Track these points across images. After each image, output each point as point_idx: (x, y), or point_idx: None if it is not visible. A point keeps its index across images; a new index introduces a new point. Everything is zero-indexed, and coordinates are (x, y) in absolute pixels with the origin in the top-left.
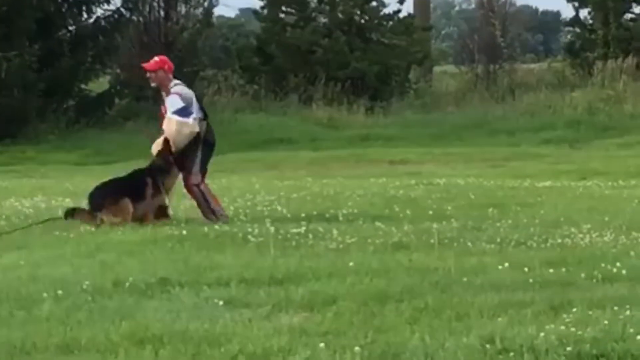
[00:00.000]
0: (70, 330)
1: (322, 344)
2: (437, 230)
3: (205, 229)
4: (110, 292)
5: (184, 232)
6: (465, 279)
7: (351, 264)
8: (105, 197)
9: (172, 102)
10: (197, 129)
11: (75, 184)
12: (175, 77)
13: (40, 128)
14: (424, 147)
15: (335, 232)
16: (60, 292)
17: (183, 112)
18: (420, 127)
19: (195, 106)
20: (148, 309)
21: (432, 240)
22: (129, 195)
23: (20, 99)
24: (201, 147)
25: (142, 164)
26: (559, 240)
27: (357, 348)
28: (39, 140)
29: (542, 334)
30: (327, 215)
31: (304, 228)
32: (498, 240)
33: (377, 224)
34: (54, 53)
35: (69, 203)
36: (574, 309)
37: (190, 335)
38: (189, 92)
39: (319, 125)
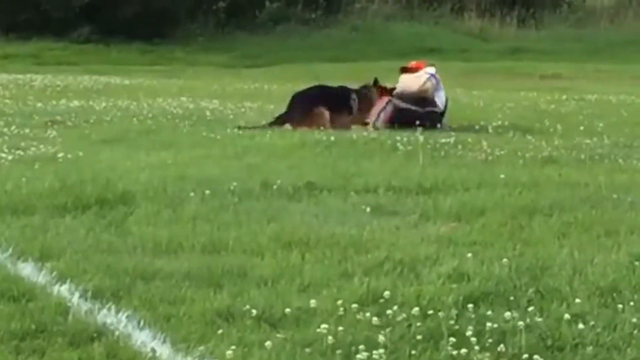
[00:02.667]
0: (216, 230)
1: (469, 254)
2: (588, 146)
3: (354, 135)
4: (257, 194)
5: (332, 138)
6: (615, 196)
7: (502, 176)
8: (302, 108)
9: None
10: None
11: (223, 85)
12: None
13: (190, 29)
14: (576, 62)
15: (484, 143)
16: (207, 192)
17: None
18: (573, 42)
19: None
20: (295, 213)
21: (582, 156)
22: (328, 105)
23: None
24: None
25: (288, 68)
26: None
27: (505, 260)
28: (188, 41)
29: None
30: (477, 127)
31: (453, 138)
32: None
33: (528, 137)
34: None
35: (216, 104)
36: None
37: (337, 240)
38: None
39: (470, 36)
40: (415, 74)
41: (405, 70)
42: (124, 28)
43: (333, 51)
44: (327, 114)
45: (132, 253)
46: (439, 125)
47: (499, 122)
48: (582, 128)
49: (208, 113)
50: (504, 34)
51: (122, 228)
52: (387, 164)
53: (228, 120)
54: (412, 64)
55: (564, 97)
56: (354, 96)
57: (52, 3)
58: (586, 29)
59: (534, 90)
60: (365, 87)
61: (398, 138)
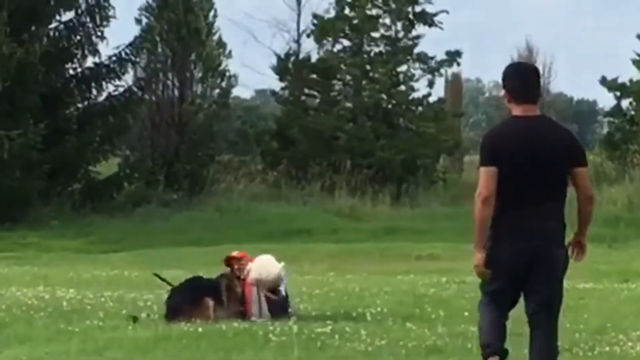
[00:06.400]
0: None
1: None
2: (474, 334)
3: (223, 326)
4: None
5: (200, 329)
6: None
7: None
8: (184, 301)
9: None
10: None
11: (79, 273)
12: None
13: (43, 212)
14: (453, 242)
15: (363, 332)
16: None
17: None
18: (449, 220)
19: None
20: None
21: (469, 345)
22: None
23: (22, 181)
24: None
25: (149, 253)
26: (607, 349)
27: None
28: (42, 225)
29: None
30: (354, 314)
31: (329, 327)
32: None
33: (409, 325)
34: (60, 132)
35: (72, 294)
36: None
37: None
38: None
39: (341, 215)
40: (267, 262)
41: (231, 259)
42: None
43: (197, 234)
44: (212, 304)
45: None
46: (290, 310)
47: (378, 309)
48: (466, 314)
49: (65, 303)
50: (376, 213)
51: None
52: (260, 358)
53: (86, 311)
54: (236, 253)
55: (444, 279)
56: (223, 287)
57: None
58: (463, 207)
59: (411, 272)
60: (223, 275)
61: (270, 328)
